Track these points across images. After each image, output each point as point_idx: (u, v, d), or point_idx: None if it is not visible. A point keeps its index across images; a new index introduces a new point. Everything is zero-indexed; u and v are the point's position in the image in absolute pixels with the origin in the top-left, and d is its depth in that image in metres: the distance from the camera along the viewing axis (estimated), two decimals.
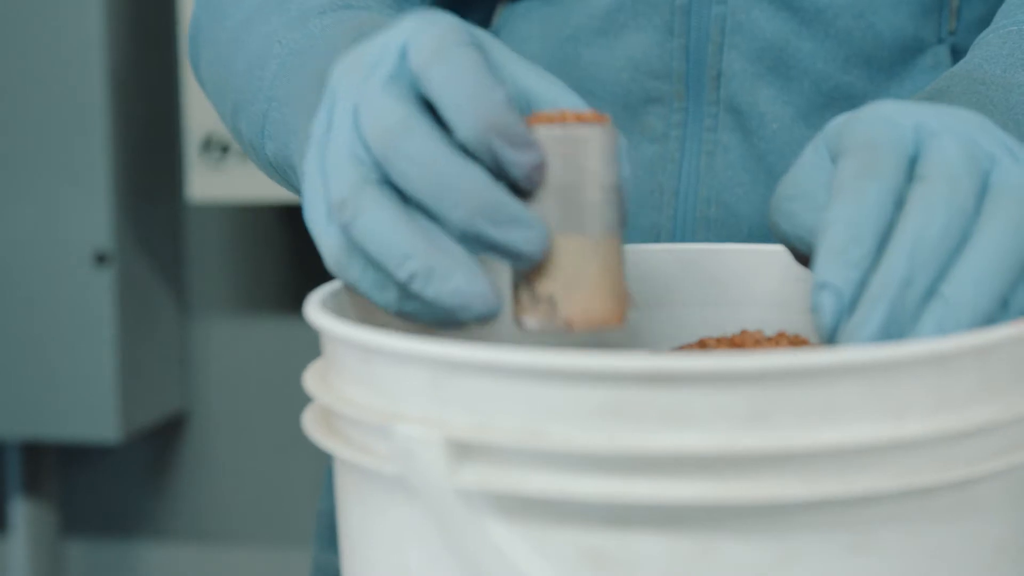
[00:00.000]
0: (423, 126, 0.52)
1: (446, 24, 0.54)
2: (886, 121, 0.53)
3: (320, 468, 2.41)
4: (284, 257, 2.51)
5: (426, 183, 0.51)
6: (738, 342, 0.62)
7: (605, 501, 0.47)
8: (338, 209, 0.53)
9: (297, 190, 0.71)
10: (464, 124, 0.52)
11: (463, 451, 0.48)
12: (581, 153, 0.53)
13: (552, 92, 0.56)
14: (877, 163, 0.52)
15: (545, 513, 0.48)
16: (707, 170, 0.81)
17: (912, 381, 0.47)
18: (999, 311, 0.51)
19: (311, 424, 0.55)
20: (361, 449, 0.52)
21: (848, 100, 0.80)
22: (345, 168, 0.53)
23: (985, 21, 0.82)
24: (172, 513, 2.56)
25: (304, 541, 2.44)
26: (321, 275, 2.42)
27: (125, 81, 2.19)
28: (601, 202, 0.53)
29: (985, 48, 0.71)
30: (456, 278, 0.52)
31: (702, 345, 0.63)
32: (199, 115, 2.17)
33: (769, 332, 0.63)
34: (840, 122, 0.56)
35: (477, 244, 0.52)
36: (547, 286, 0.53)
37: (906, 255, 0.50)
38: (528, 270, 0.53)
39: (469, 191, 0.51)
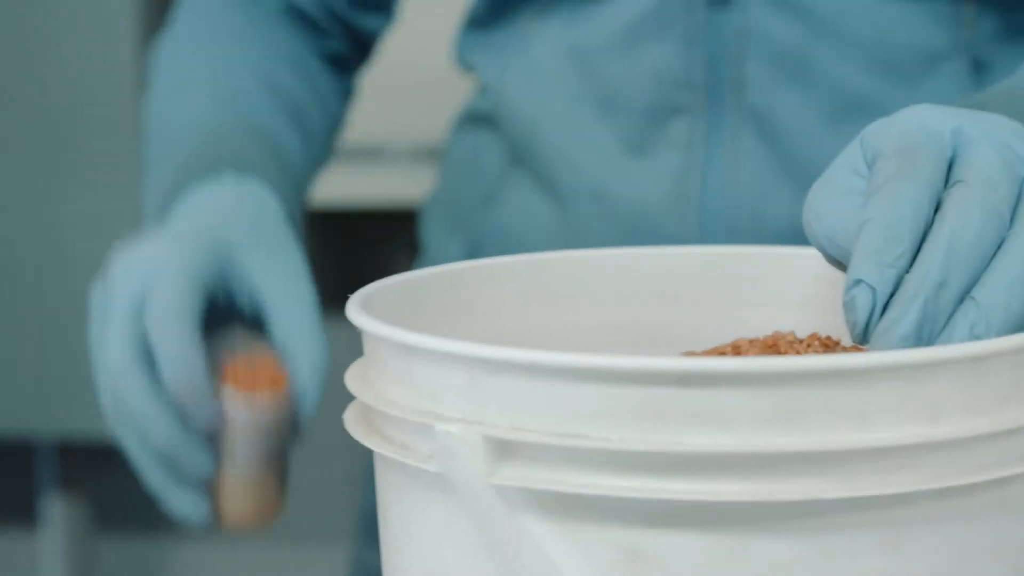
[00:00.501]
0: (133, 374, 0.66)
1: (187, 267, 0.67)
2: (924, 125, 0.54)
3: (352, 465, 2.41)
4: (315, 260, 2.53)
5: (132, 418, 0.67)
6: (771, 344, 0.63)
7: (642, 500, 0.48)
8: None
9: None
10: (165, 380, 0.66)
11: (502, 449, 0.49)
12: (242, 411, 0.67)
13: (284, 306, 0.69)
14: (916, 165, 0.52)
15: (582, 511, 0.48)
16: (732, 177, 0.82)
17: (946, 383, 0.48)
18: None
19: (352, 422, 0.56)
20: (401, 447, 0.52)
21: (869, 106, 0.80)
22: (106, 394, 0.68)
23: (1005, 32, 0.82)
24: None
25: (336, 539, 2.45)
26: (354, 278, 2.43)
27: None
28: (257, 444, 0.67)
29: None
30: (181, 509, 0.68)
31: (735, 347, 0.64)
32: None
33: (801, 334, 0.64)
34: (877, 126, 0.56)
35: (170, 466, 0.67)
36: (220, 501, 0.69)
37: (941, 257, 0.50)
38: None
39: (159, 431, 0.66)
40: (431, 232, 0.98)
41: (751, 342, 0.63)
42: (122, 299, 0.68)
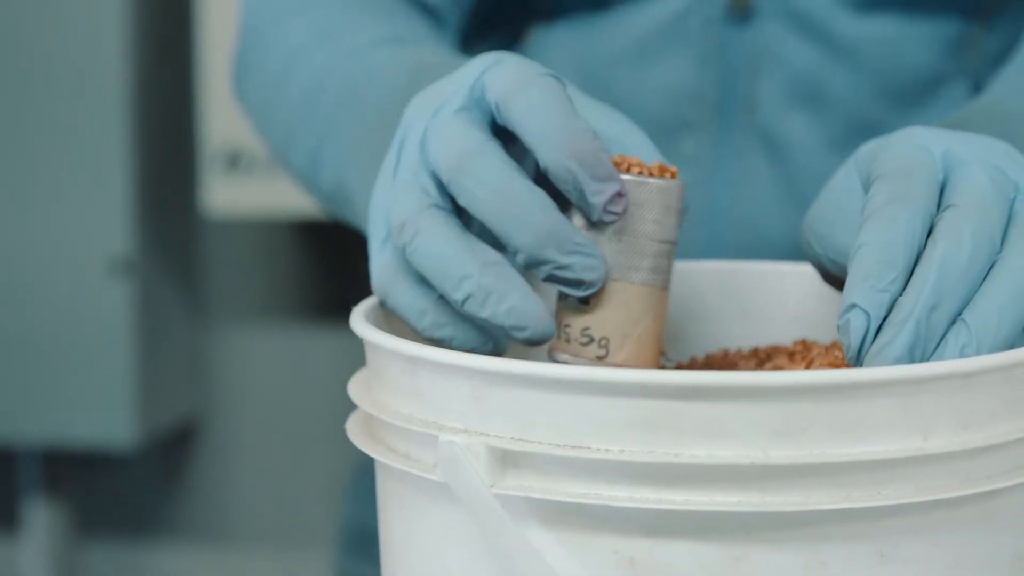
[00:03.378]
0: (497, 151, 0.54)
1: (522, 60, 0.56)
2: (917, 148, 0.55)
3: (336, 474, 2.42)
4: (300, 268, 2.53)
5: (495, 206, 0.53)
6: (759, 353, 0.64)
7: (641, 510, 0.49)
8: (398, 230, 0.55)
9: (351, 221, 0.71)
10: (547, 151, 0.53)
11: (504, 460, 0.50)
12: (650, 203, 0.54)
13: (626, 135, 0.58)
14: (909, 190, 0.53)
15: (583, 520, 0.50)
16: (738, 195, 0.82)
17: (938, 399, 0.49)
18: (1019, 338, 0.52)
19: (354, 432, 0.56)
20: (405, 457, 0.53)
21: (875, 130, 0.81)
22: (409, 193, 0.55)
23: (1005, 56, 0.83)
24: (188, 518, 2.57)
25: (320, 546, 2.45)
26: (347, 288, 2.44)
27: (145, 94, 2.21)
28: (663, 255, 0.55)
29: (1005, 82, 0.73)
30: (512, 298, 0.53)
31: (724, 355, 0.65)
32: (219, 127, 2.19)
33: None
34: (872, 147, 0.57)
35: (540, 268, 0.53)
36: (602, 329, 0.55)
37: (933, 280, 0.51)
38: (583, 309, 0.55)
39: (537, 216, 0.53)
40: None
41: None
42: (453, 93, 0.55)
